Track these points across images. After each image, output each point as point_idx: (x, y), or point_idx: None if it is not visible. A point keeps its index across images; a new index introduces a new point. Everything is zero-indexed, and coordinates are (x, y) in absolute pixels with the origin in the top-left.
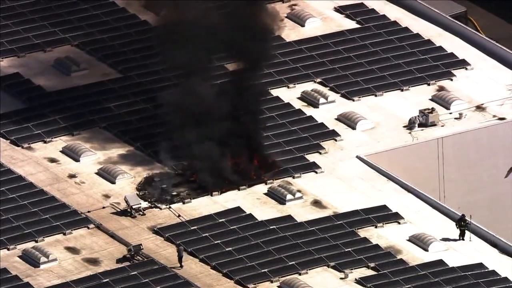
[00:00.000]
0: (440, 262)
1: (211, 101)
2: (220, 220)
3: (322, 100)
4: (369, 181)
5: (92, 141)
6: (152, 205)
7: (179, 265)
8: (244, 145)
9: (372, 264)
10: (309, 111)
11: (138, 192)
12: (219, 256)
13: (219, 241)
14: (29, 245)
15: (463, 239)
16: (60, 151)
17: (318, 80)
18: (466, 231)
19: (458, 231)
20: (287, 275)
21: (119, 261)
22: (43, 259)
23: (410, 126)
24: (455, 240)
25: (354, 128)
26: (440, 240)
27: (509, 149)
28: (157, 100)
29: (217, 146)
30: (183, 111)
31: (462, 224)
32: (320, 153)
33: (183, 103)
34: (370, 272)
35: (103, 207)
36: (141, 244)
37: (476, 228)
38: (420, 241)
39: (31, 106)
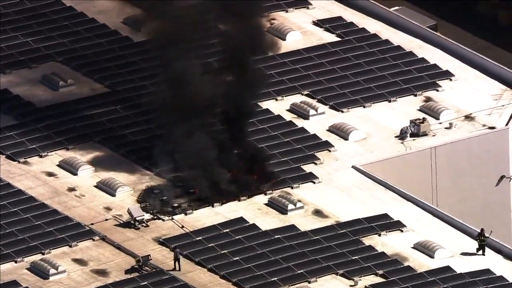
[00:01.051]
0: (448, 269)
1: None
2: (224, 231)
3: (312, 111)
4: (367, 190)
5: (88, 155)
6: (155, 217)
7: (175, 267)
8: (243, 157)
9: (380, 272)
10: (300, 122)
11: (139, 204)
12: (228, 266)
13: (225, 251)
14: (36, 257)
15: (483, 254)
16: (57, 165)
17: (306, 92)
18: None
19: (475, 244)
20: (297, 283)
21: (127, 272)
22: (52, 270)
23: (402, 136)
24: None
25: (346, 139)
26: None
27: (499, 157)
28: (149, 114)
29: (217, 157)
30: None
31: (482, 238)
32: (315, 163)
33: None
34: (379, 279)
35: (106, 219)
36: (149, 255)
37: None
38: (425, 248)
39: (23, 122)
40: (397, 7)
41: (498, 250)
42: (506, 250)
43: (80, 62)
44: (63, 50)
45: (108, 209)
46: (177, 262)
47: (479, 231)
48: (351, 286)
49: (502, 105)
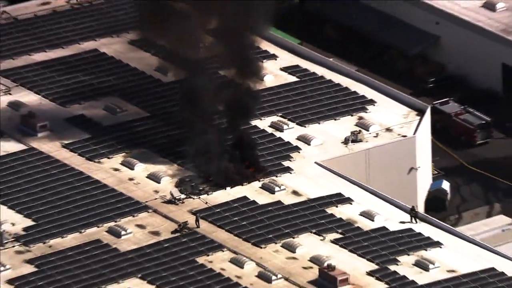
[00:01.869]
0: (384, 228)
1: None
2: (234, 205)
3: (285, 126)
4: (326, 178)
5: (140, 157)
6: (188, 197)
7: (196, 225)
8: (243, 157)
9: (339, 230)
10: (278, 134)
11: (177, 188)
12: (238, 228)
13: (236, 218)
14: (111, 224)
15: (416, 222)
16: (120, 163)
17: (280, 114)
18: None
19: (401, 212)
20: (285, 239)
21: (172, 232)
22: (123, 232)
23: (346, 142)
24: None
25: (309, 144)
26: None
27: (409, 155)
28: (178, 129)
29: (227, 156)
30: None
31: (413, 212)
32: (290, 160)
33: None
34: (339, 236)
35: (155, 199)
36: (187, 221)
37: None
38: (368, 215)
39: (95, 135)
40: (332, 59)
41: (415, 216)
42: (420, 216)
43: (129, 96)
44: (118, 88)
45: (156, 191)
46: (197, 222)
47: (409, 207)
48: (321, 240)
49: (409, 121)
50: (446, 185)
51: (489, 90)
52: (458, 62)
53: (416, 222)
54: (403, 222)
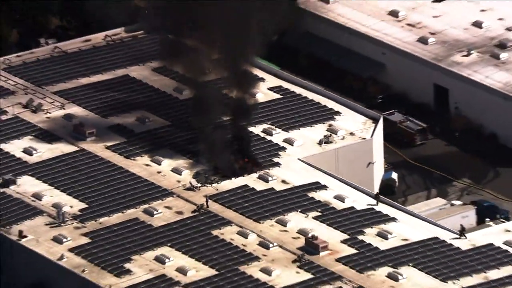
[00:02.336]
0: (352, 208)
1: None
2: (238, 191)
3: (274, 132)
4: (307, 171)
5: (165, 155)
6: (203, 185)
7: (206, 206)
8: (244, 154)
9: (319, 210)
10: (268, 137)
11: (194, 179)
12: (242, 208)
13: (240, 201)
14: (146, 206)
15: (377, 204)
16: (150, 160)
17: (269, 123)
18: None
19: (367, 197)
20: (278, 216)
21: (193, 212)
22: (155, 212)
23: (320, 143)
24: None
25: (292, 145)
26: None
27: (368, 153)
28: (192, 134)
29: (232, 154)
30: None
31: (377, 197)
32: (278, 157)
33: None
34: (318, 214)
35: (178, 187)
36: (203, 204)
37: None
38: (339, 198)
39: (130, 140)
40: (306, 81)
41: (378, 199)
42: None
43: (154, 109)
44: (145, 104)
45: (178, 181)
46: (207, 203)
47: (374, 193)
48: (305, 217)
49: (367, 127)
50: (394, 175)
51: (424, 104)
52: (400, 83)
53: (377, 204)
54: (370, 205)
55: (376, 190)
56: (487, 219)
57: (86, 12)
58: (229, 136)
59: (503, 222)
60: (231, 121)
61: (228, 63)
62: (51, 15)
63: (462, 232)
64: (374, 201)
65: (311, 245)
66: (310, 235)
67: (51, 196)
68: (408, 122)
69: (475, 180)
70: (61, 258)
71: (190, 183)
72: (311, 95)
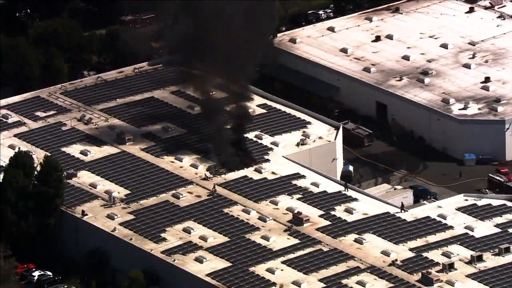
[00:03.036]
0: (325, 192)
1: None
2: (240, 180)
3: (263, 137)
4: (290, 165)
5: (184, 153)
6: (214, 175)
7: (214, 191)
8: (243, 153)
9: (301, 193)
10: (259, 141)
11: (207, 171)
12: (243, 193)
13: (242, 187)
14: (173, 191)
15: (346, 190)
16: (174, 158)
17: (259, 130)
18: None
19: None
20: (271, 198)
21: (208, 195)
22: (180, 196)
23: (298, 145)
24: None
25: (277, 146)
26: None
27: (333, 152)
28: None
29: (234, 152)
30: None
31: (346, 185)
32: (268, 155)
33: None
34: (301, 196)
35: (196, 178)
36: (215, 190)
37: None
38: (315, 184)
39: (158, 143)
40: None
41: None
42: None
43: (174, 121)
44: (167, 117)
45: (196, 173)
46: (214, 189)
47: (339, 180)
48: (291, 198)
49: (331, 133)
50: (351, 168)
51: (369, 116)
52: (350, 101)
53: (347, 190)
54: (340, 191)
55: (338, 178)
56: (421, 200)
57: (117, 51)
58: (232, 139)
59: (434, 201)
60: (234, 127)
61: (228, 86)
62: (92, 53)
63: (402, 207)
64: (343, 188)
65: (297, 219)
66: (296, 211)
67: (103, 185)
68: (358, 129)
69: (410, 171)
70: (114, 230)
71: (205, 174)
72: (288, 110)
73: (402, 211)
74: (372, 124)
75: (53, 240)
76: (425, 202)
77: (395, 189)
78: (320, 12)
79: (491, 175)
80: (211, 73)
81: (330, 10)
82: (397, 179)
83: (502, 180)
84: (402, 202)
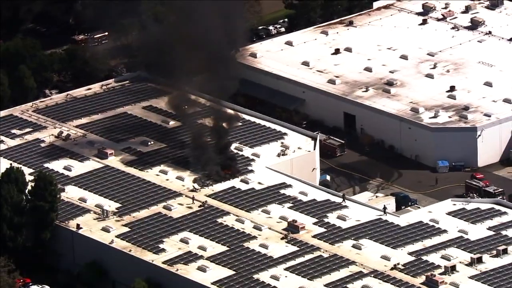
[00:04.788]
0: (314, 200)
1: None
2: (229, 191)
3: (244, 148)
4: (273, 175)
5: (175, 167)
6: (202, 187)
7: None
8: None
9: (291, 202)
10: (241, 153)
11: (195, 183)
12: (235, 203)
13: (232, 197)
14: (164, 203)
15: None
16: (159, 171)
17: (238, 142)
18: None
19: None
20: (262, 207)
21: (199, 207)
22: (172, 207)
23: (278, 155)
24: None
25: (259, 157)
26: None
27: (312, 162)
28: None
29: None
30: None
31: (343, 196)
32: (251, 166)
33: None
34: (292, 204)
35: (184, 189)
36: (206, 201)
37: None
38: (303, 193)
39: (140, 157)
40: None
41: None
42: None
43: (152, 135)
44: (143, 132)
45: (183, 185)
46: (194, 200)
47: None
48: (282, 207)
49: (308, 143)
50: (328, 177)
51: (336, 127)
52: (317, 112)
53: (344, 201)
54: (336, 201)
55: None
56: (403, 206)
57: (77, 69)
58: (215, 150)
59: (418, 207)
60: (216, 140)
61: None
62: (53, 72)
63: (384, 210)
64: (343, 200)
65: (293, 227)
66: (291, 219)
67: (93, 199)
68: (330, 139)
69: (385, 179)
70: (112, 242)
71: (193, 186)
72: (262, 122)
73: (384, 213)
74: (340, 135)
75: (49, 253)
76: (409, 208)
77: (377, 196)
78: (271, 27)
79: (468, 181)
80: (180, 88)
81: (280, 26)
82: (374, 187)
83: (480, 185)
84: (384, 205)
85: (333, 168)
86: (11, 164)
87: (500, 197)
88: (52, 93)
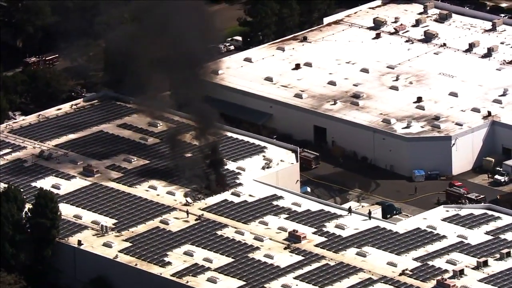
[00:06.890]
0: (308, 210)
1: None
2: (223, 204)
3: (228, 162)
4: (264, 187)
5: (157, 183)
6: (193, 201)
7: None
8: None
9: (286, 212)
10: (225, 166)
11: (185, 197)
12: (231, 215)
13: (227, 210)
14: (160, 218)
15: (350, 214)
16: (148, 187)
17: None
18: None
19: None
20: (259, 219)
21: (196, 220)
22: (169, 221)
23: (263, 168)
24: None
25: (244, 171)
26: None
27: (296, 174)
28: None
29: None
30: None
31: (350, 210)
32: (238, 179)
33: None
34: (287, 215)
35: (177, 204)
36: (201, 215)
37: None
38: (296, 204)
39: (126, 174)
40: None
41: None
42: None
43: (133, 153)
44: (122, 150)
45: (175, 200)
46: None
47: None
48: (278, 218)
49: (289, 156)
50: (308, 189)
51: (306, 141)
52: (285, 126)
53: (350, 214)
54: (331, 211)
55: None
56: (388, 215)
57: (38, 90)
58: (204, 164)
59: (407, 216)
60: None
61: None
62: (16, 94)
63: (370, 215)
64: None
65: (294, 236)
66: (291, 229)
67: (88, 216)
68: (304, 152)
69: (364, 189)
70: (116, 257)
71: (186, 200)
72: (240, 137)
73: (369, 218)
74: (310, 148)
75: (50, 270)
76: (396, 216)
77: (362, 206)
78: (221, 46)
79: (448, 189)
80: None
81: (229, 44)
82: (355, 198)
83: (462, 192)
84: (369, 210)
85: (310, 180)
86: (8, 183)
87: (482, 203)
88: (16, 115)
